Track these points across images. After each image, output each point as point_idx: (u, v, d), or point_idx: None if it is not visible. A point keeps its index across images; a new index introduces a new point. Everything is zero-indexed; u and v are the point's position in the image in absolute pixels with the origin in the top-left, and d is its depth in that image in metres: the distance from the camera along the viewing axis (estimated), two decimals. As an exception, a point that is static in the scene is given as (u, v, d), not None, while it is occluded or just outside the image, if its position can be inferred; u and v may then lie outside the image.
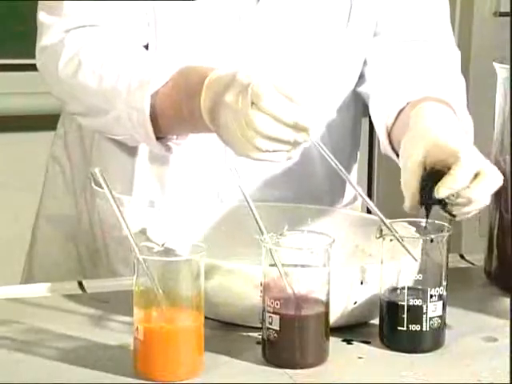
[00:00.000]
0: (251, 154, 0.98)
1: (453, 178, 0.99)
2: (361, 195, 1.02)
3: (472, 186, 1.00)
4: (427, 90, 1.16)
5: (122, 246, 1.20)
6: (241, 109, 0.97)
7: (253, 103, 0.96)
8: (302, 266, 0.95)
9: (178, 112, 1.06)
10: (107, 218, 1.21)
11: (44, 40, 1.15)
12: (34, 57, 1.18)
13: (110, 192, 0.96)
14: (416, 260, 0.97)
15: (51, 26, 1.15)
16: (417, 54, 1.23)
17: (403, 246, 0.97)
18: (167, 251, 0.95)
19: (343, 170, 1.00)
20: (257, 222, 0.98)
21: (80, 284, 1.12)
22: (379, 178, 2.39)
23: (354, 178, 1.30)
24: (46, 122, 1.77)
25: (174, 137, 1.12)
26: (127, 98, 1.08)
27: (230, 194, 1.20)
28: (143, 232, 1.06)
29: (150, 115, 1.07)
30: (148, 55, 1.14)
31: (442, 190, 1.00)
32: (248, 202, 0.98)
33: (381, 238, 0.99)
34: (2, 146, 2.26)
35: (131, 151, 1.20)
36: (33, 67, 1.19)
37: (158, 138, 1.10)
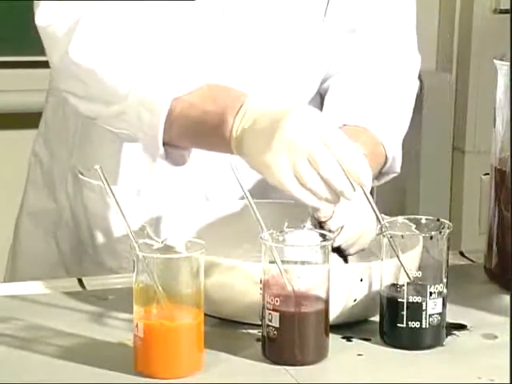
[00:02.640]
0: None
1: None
2: (363, 190, 1.02)
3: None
4: (366, 116, 1.16)
5: (110, 238, 1.20)
6: (293, 161, 0.96)
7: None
8: (302, 263, 0.95)
9: (199, 124, 1.03)
10: (95, 209, 1.21)
11: (48, 16, 1.09)
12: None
13: (110, 188, 0.96)
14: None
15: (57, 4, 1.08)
16: (373, 60, 1.23)
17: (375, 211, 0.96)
18: (167, 248, 0.95)
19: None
20: (257, 219, 0.98)
21: (80, 281, 1.12)
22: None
23: None
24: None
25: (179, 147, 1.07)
26: (143, 97, 1.04)
27: (219, 184, 1.20)
28: (143, 229, 1.06)
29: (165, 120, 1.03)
30: (169, 58, 1.09)
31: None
32: (248, 199, 0.98)
33: (380, 235, 0.99)
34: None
35: (118, 141, 1.18)
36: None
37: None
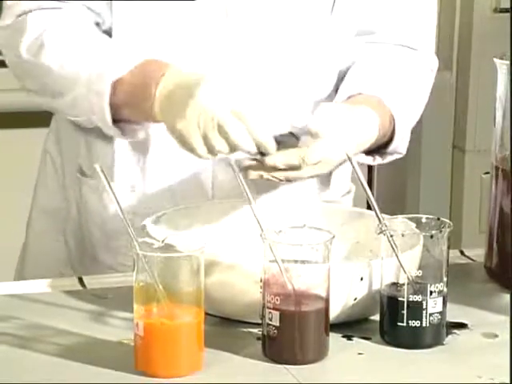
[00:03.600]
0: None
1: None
2: (362, 185, 1.02)
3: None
4: (383, 90, 1.19)
5: (106, 235, 1.21)
6: (204, 130, 1.04)
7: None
8: (302, 261, 0.94)
9: (134, 99, 1.11)
10: (92, 206, 1.22)
11: (6, 19, 1.19)
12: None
13: (110, 187, 0.96)
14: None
15: (13, 6, 1.18)
16: (392, 61, 1.24)
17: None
18: (167, 247, 0.95)
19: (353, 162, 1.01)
20: (256, 218, 0.98)
21: (80, 280, 1.12)
22: (379, 173, 2.39)
23: (348, 172, 1.30)
24: (40, 118, 1.77)
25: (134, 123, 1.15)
26: (88, 82, 1.12)
27: (213, 179, 1.20)
28: (143, 228, 1.06)
29: (110, 100, 1.11)
30: (112, 42, 1.17)
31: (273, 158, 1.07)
32: (248, 197, 0.98)
33: (381, 234, 0.98)
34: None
35: (110, 138, 1.20)
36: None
37: (116, 122, 1.14)
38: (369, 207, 1.09)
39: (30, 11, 1.17)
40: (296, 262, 0.94)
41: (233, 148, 1.05)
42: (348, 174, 1.31)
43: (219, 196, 1.19)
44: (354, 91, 1.18)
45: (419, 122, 1.26)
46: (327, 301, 0.95)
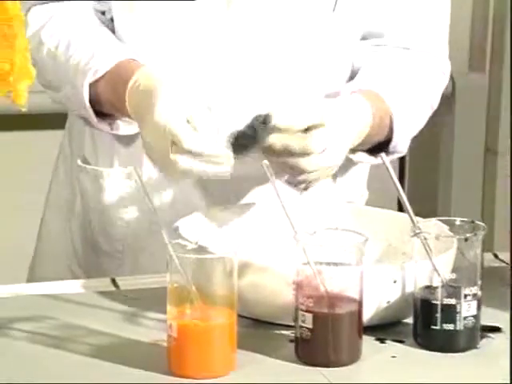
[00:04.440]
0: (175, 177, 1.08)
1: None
2: (396, 187, 1.01)
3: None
4: (383, 87, 1.18)
5: (103, 220, 1.23)
6: (161, 151, 1.06)
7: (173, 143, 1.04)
8: (335, 264, 0.94)
9: (116, 102, 1.14)
10: (90, 192, 1.24)
11: None
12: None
13: (145, 189, 0.97)
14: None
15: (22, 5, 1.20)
16: (397, 62, 1.22)
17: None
18: (200, 249, 0.96)
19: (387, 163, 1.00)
20: (289, 220, 0.98)
21: (113, 281, 1.13)
22: (411, 175, 2.38)
23: (366, 172, 1.30)
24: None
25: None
26: (72, 81, 1.16)
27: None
28: (175, 229, 1.06)
29: (93, 99, 1.14)
30: (101, 38, 1.19)
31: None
32: (280, 200, 0.98)
33: (415, 237, 0.98)
34: (15, 145, 2.26)
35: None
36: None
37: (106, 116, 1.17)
38: (399, 209, 1.09)
39: (29, 9, 1.20)
40: (329, 264, 0.94)
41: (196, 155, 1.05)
42: (363, 179, 1.30)
43: (216, 185, 1.18)
44: (355, 88, 1.17)
45: (452, 124, 1.26)
46: (360, 303, 0.95)
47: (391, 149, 1.20)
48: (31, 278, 1.30)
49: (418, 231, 0.98)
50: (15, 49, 0.79)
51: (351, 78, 1.22)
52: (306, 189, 1.11)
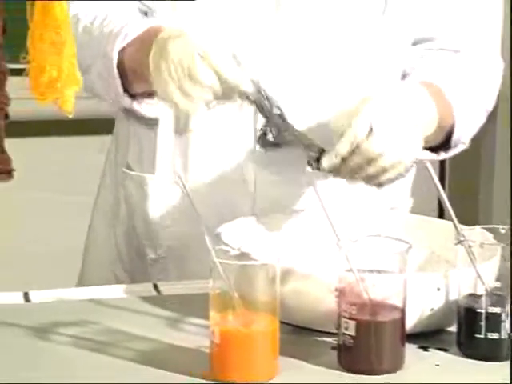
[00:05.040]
0: (178, 102, 1.07)
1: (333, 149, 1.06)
2: (440, 194, 1.01)
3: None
4: (443, 81, 1.18)
5: (148, 227, 1.23)
6: (177, 79, 1.06)
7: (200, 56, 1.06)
8: (378, 271, 0.94)
9: (139, 67, 1.13)
10: (135, 199, 1.24)
11: None
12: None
13: (189, 195, 0.97)
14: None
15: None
16: (454, 63, 1.22)
17: None
18: (243, 255, 0.96)
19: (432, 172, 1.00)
20: (332, 227, 0.98)
21: (155, 286, 1.13)
22: (451, 180, 2.36)
23: (410, 179, 1.28)
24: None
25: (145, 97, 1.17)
26: (104, 49, 1.16)
27: (255, 175, 1.19)
28: (218, 235, 1.06)
29: (120, 68, 1.15)
30: (137, 16, 1.21)
31: (324, 161, 1.06)
32: (323, 207, 0.98)
33: (458, 244, 0.97)
34: (59, 150, 2.28)
35: (153, 128, 1.23)
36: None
37: (131, 96, 1.17)
38: (439, 217, 1.08)
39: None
40: (372, 271, 0.94)
41: (208, 93, 1.06)
42: (407, 186, 1.29)
43: (261, 191, 1.19)
44: (416, 80, 1.16)
45: (493, 128, 1.25)
46: (403, 311, 0.94)
47: (455, 141, 1.18)
48: (80, 283, 1.32)
49: (462, 239, 0.97)
50: (63, 56, 0.80)
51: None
52: (380, 185, 1.09)
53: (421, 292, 0.98)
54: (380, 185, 1.09)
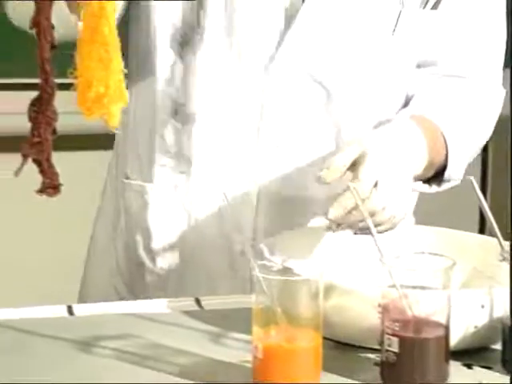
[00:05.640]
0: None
1: (340, 200, 1.04)
2: (485, 213, 1.00)
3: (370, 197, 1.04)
4: (437, 112, 1.17)
5: (147, 237, 1.22)
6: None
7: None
8: (422, 287, 0.93)
9: None
10: (134, 209, 1.24)
11: None
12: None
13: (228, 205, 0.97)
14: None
15: None
16: (454, 92, 1.22)
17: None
18: (285, 270, 0.96)
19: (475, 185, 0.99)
20: (375, 243, 0.97)
21: (197, 301, 1.13)
22: (492, 196, 2.35)
23: (415, 199, 1.28)
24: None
25: None
26: None
27: (259, 187, 1.19)
28: (261, 251, 1.06)
29: None
30: None
31: (331, 211, 1.04)
32: (368, 222, 0.98)
33: (503, 261, 0.97)
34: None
35: (150, 140, 1.21)
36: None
37: None
38: (481, 231, 1.07)
39: None
40: (415, 287, 0.93)
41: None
42: (411, 206, 1.28)
43: (264, 205, 1.18)
44: (407, 115, 1.16)
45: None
46: (447, 328, 0.94)
47: (447, 177, 1.19)
48: (81, 296, 1.32)
49: (506, 255, 0.97)
50: (110, 72, 0.81)
51: (405, 106, 1.22)
52: (381, 231, 1.08)
53: (465, 309, 0.97)
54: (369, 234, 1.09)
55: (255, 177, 1.19)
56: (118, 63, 0.81)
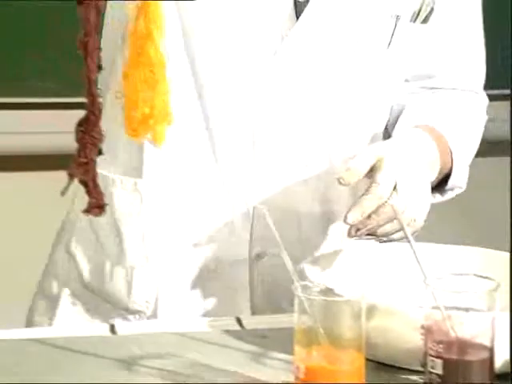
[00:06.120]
0: None
1: (360, 204, 1.05)
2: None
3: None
4: (440, 123, 1.19)
5: (141, 238, 1.18)
6: None
7: None
8: (466, 309, 0.93)
9: None
10: (124, 209, 1.19)
11: None
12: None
13: (273, 228, 0.98)
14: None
15: None
16: (449, 103, 1.23)
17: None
18: (327, 290, 0.95)
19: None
20: (418, 263, 0.97)
21: (238, 320, 1.13)
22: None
23: None
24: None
25: None
26: None
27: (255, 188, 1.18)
28: (302, 271, 1.06)
29: None
30: None
31: (350, 216, 1.05)
32: (410, 242, 0.97)
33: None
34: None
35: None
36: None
37: None
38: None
39: None
40: (459, 309, 0.93)
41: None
42: None
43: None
44: (413, 123, 1.17)
45: None
46: (492, 350, 0.93)
47: (451, 185, 1.20)
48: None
49: (551, 277, 0.96)
50: (156, 93, 0.82)
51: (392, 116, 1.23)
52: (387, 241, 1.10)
53: (510, 331, 0.96)
54: (388, 241, 1.10)
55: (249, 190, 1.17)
56: (163, 84, 0.82)
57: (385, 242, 1.12)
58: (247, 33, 1.14)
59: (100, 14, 0.80)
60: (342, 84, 1.17)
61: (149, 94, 0.81)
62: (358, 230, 1.07)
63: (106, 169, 1.15)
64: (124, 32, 0.93)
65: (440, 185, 1.19)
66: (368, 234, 1.09)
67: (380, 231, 1.08)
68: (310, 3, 1.13)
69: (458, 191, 1.21)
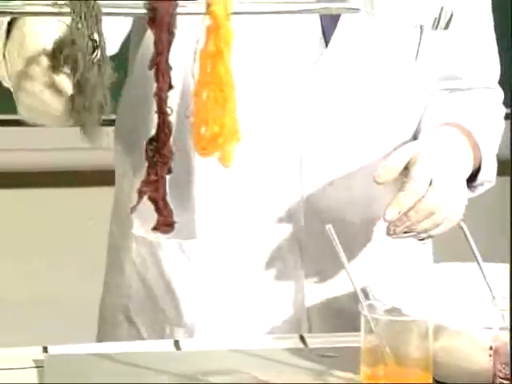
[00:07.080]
0: None
1: (397, 200, 1.06)
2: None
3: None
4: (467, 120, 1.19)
5: (189, 293, 1.17)
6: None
7: None
8: (536, 331, 0.91)
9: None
10: (172, 268, 1.17)
11: None
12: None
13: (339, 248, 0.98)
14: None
15: None
16: (464, 102, 1.23)
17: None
18: (394, 310, 0.95)
19: None
20: (487, 283, 0.96)
21: (302, 338, 1.13)
22: None
23: None
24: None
25: None
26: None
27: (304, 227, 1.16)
28: (367, 292, 1.05)
29: None
30: None
31: (388, 212, 1.05)
32: (479, 263, 0.96)
33: None
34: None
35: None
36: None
37: None
38: None
39: None
40: (527, 330, 0.91)
41: None
42: None
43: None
44: (440, 122, 1.17)
45: None
46: (562, 373, 0.91)
47: (481, 180, 1.19)
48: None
49: None
50: (225, 111, 0.82)
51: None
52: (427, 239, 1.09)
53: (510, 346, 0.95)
54: (428, 238, 1.09)
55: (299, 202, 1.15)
56: (233, 103, 0.82)
57: (423, 239, 1.12)
58: (281, 61, 1.14)
59: (172, 33, 0.80)
60: (376, 101, 1.17)
61: (218, 112, 0.82)
62: (397, 226, 1.07)
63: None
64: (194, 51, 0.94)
65: (469, 180, 1.18)
66: (407, 232, 1.09)
67: (419, 228, 1.08)
68: (337, 28, 1.13)
69: (488, 185, 1.21)
